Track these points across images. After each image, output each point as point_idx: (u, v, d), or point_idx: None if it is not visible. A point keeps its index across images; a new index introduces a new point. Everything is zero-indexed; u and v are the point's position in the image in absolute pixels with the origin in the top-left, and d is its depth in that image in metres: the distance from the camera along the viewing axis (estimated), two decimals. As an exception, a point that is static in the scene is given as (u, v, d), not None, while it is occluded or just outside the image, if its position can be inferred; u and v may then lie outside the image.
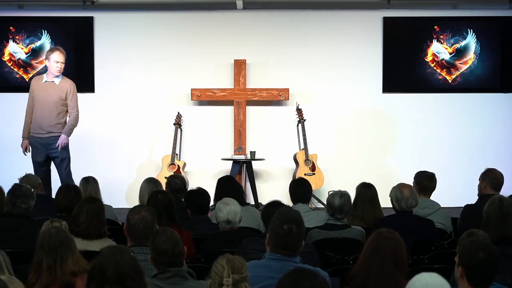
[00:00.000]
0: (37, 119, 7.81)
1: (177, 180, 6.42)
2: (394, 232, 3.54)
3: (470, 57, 9.87)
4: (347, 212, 5.35)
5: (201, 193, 5.75)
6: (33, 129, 7.84)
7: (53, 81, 7.83)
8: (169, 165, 9.56)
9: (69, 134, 7.82)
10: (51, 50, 7.89)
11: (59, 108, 7.81)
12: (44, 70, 8.97)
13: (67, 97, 7.80)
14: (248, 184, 9.42)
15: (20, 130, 9.70)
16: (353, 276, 3.48)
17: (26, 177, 6.42)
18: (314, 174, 9.43)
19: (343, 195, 5.32)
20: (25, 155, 7.98)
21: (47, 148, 7.81)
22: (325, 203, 5.69)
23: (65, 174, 7.77)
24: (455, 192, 9.18)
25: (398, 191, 5.49)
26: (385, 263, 3.41)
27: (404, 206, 5.45)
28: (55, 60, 7.77)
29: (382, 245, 3.45)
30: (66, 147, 7.79)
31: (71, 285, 3.53)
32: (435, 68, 9.87)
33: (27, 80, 9.85)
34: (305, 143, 9.54)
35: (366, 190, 5.92)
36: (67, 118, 7.87)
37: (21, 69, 9.87)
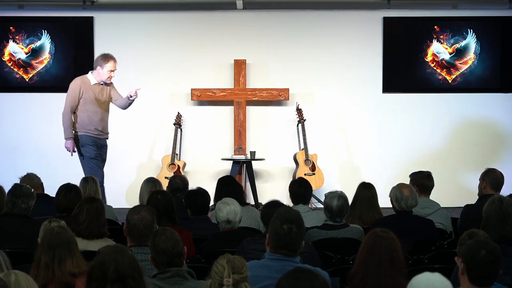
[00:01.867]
0: (97, 121, 7.83)
1: (177, 180, 6.42)
2: (389, 231, 3.53)
3: (470, 57, 9.87)
4: (345, 214, 5.34)
5: (201, 193, 5.75)
6: (90, 130, 7.82)
7: (102, 84, 7.89)
8: (169, 165, 9.56)
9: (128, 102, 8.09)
10: (106, 59, 7.85)
11: (108, 109, 7.97)
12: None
13: (111, 95, 7.93)
14: (248, 184, 9.42)
15: (20, 130, 9.72)
16: (351, 277, 3.48)
17: (27, 177, 6.42)
18: (314, 174, 9.43)
19: (340, 197, 5.27)
20: (72, 155, 7.95)
21: (101, 149, 7.92)
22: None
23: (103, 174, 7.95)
24: (455, 192, 9.19)
25: (398, 191, 5.49)
26: (381, 262, 3.41)
27: (404, 206, 5.45)
28: (110, 70, 7.83)
29: (377, 244, 3.45)
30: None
31: (70, 286, 3.53)
32: (435, 68, 9.87)
33: (27, 80, 9.86)
34: (305, 143, 9.54)
35: (365, 190, 5.91)
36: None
37: (21, 69, 9.87)
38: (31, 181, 6.21)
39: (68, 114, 7.82)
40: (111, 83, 8.00)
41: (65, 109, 7.86)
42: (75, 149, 7.82)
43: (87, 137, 7.83)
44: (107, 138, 8.07)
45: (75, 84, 7.89)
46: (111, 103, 8.05)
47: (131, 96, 7.87)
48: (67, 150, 7.83)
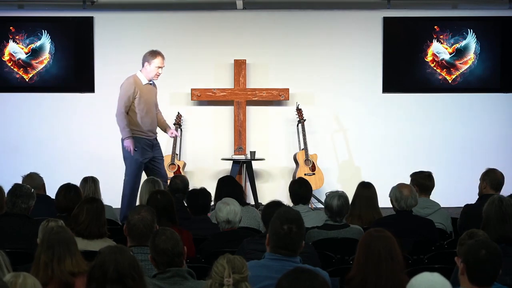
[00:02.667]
0: (148, 121, 7.67)
1: (177, 180, 6.42)
2: (383, 230, 3.54)
3: (470, 57, 9.87)
4: (345, 214, 5.34)
5: (204, 193, 5.75)
6: (141, 132, 7.66)
7: (151, 83, 7.78)
8: (169, 165, 9.56)
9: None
10: (153, 54, 7.69)
11: (156, 110, 7.83)
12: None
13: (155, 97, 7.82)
14: (248, 184, 9.42)
15: (20, 130, 9.72)
16: (351, 279, 3.48)
17: (29, 176, 6.42)
18: (314, 174, 9.43)
19: (341, 196, 5.28)
20: (132, 154, 7.72)
21: (152, 149, 7.74)
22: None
23: (164, 172, 7.82)
24: (455, 192, 9.19)
25: (398, 191, 5.49)
26: (381, 261, 3.41)
27: (404, 205, 5.45)
28: (158, 66, 7.66)
29: (374, 244, 3.45)
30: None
31: (70, 286, 3.53)
32: (435, 68, 9.87)
33: (27, 80, 9.86)
34: (305, 143, 9.54)
35: (364, 190, 5.92)
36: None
37: (21, 69, 9.87)
38: (32, 181, 6.21)
39: (123, 114, 7.61)
40: (156, 88, 7.84)
41: (118, 110, 7.67)
42: (136, 148, 7.61)
43: (139, 139, 7.64)
44: (156, 137, 7.85)
45: (129, 83, 7.70)
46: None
47: (171, 133, 7.94)
48: (128, 149, 7.62)
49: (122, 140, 7.64)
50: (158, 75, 7.73)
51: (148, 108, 7.68)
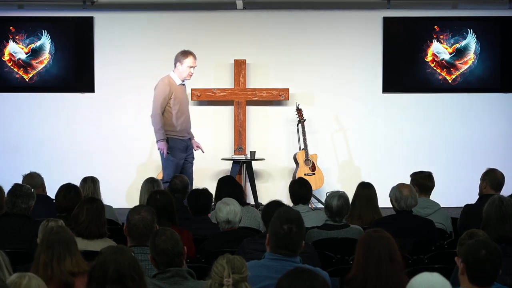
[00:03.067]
0: (182, 122, 7.72)
1: (176, 181, 6.41)
2: (382, 230, 3.54)
3: (470, 57, 9.87)
4: (345, 214, 5.34)
5: (206, 193, 5.75)
6: (179, 132, 7.71)
7: (184, 84, 7.83)
8: (169, 165, 9.55)
9: None
10: (185, 54, 7.69)
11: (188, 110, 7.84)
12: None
13: None
14: (248, 184, 9.41)
15: (20, 130, 9.72)
16: (351, 279, 3.48)
17: (30, 175, 6.41)
18: (314, 174, 9.43)
19: (341, 197, 5.28)
20: (165, 156, 7.76)
21: (186, 151, 7.78)
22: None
23: (191, 174, 7.75)
24: (455, 192, 9.19)
25: (397, 191, 5.50)
26: (380, 261, 3.42)
27: (404, 205, 5.45)
28: (190, 65, 7.67)
29: (373, 244, 3.46)
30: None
31: (70, 285, 3.53)
32: (435, 68, 9.87)
33: (27, 80, 9.86)
34: (305, 143, 9.54)
35: (364, 190, 5.93)
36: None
37: (21, 69, 9.87)
38: (32, 180, 6.21)
39: (158, 115, 7.59)
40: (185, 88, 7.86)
41: (154, 110, 7.62)
42: (169, 151, 7.63)
43: (174, 140, 7.67)
44: (190, 138, 7.90)
45: (164, 83, 7.68)
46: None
47: (197, 147, 7.88)
48: (161, 152, 7.65)
49: (156, 142, 7.67)
50: (191, 75, 7.78)
51: (183, 109, 7.74)
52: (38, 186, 6.27)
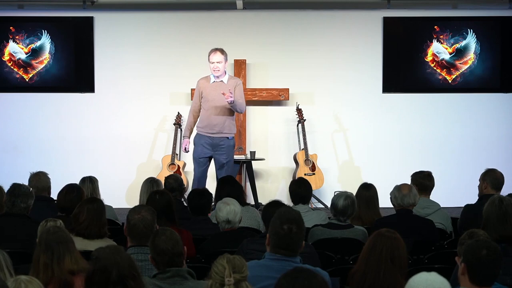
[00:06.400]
0: (208, 118, 7.82)
1: (170, 180, 6.39)
2: (394, 231, 3.55)
3: (470, 57, 9.87)
4: (350, 215, 5.34)
5: (204, 193, 5.75)
6: (203, 128, 7.86)
7: (221, 81, 7.88)
8: (169, 165, 9.56)
9: (236, 105, 7.73)
10: (210, 52, 7.88)
11: (228, 108, 7.80)
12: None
13: (233, 93, 7.76)
14: (248, 184, 9.41)
15: (20, 130, 9.72)
16: (353, 275, 3.50)
17: (37, 175, 6.23)
18: (314, 174, 9.43)
19: (348, 197, 5.30)
20: (186, 152, 8.20)
21: (214, 149, 7.85)
22: (328, 203, 5.68)
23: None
24: (455, 192, 9.19)
25: (397, 189, 5.52)
26: (381, 260, 3.43)
27: (401, 202, 5.46)
28: (210, 61, 7.83)
29: (379, 243, 3.48)
30: (230, 152, 7.86)
31: (69, 284, 3.52)
32: (435, 68, 9.87)
33: (27, 80, 9.86)
34: (305, 143, 9.54)
35: (364, 191, 5.94)
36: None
37: (21, 69, 9.87)
38: (38, 183, 6.11)
39: (189, 113, 8.04)
40: (238, 83, 7.91)
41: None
42: (187, 149, 8.01)
43: (197, 135, 7.92)
44: (227, 138, 7.85)
45: (196, 83, 8.02)
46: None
47: (226, 99, 7.68)
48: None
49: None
50: (215, 70, 7.83)
51: (213, 105, 7.81)
52: (45, 189, 6.17)
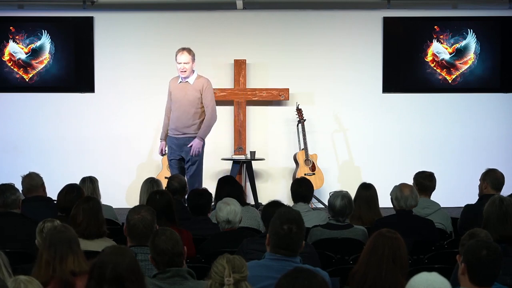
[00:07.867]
0: (174, 119, 7.71)
1: (174, 182, 6.38)
2: (395, 232, 3.55)
3: (470, 57, 9.87)
4: (348, 214, 5.34)
5: (204, 194, 5.74)
6: (170, 130, 7.76)
7: (187, 81, 7.72)
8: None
9: (204, 135, 7.67)
10: (177, 52, 7.69)
11: (195, 108, 7.69)
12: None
13: (202, 95, 7.68)
14: (248, 184, 9.41)
15: (20, 130, 9.72)
16: (353, 275, 3.50)
17: (28, 176, 6.27)
18: (314, 174, 9.43)
19: (344, 197, 5.29)
20: (162, 156, 8.16)
21: (180, 149, 7.71)
22: (326, 203, 5.67)
23: (189, 177, 7.63)
24: (455, 192, 9.19)
25: (398, 190, 5.50)
26: (382, 260, 3.43)
27: (403, 205, 5.46)
28: (177, 61, 7.65)
29: (380, 243, 3.48)
30: (199, 150, 7.69)
31: (71, 285, 3.52)
32: (435, 68, 9.87)
33: (27, 80, 9.86)
34: (305, 143, 9.54)
35: (363, 191, 5.94)
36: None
37: (21, 69, 9.87)
38: (31, 181, 6.14)
39: (164, 114, 7.90)
40: (205, 85, 7.70)
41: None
42: (164, 152, 7.91)
43: (168, 137, 7.82)
44: (190, 136, 7.68)
45: (168, 83, 7.90)
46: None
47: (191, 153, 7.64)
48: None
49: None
50: (182, 71, 7.65)
51: (178, 106, 7.71)
52: (38, 187, 6.21)
